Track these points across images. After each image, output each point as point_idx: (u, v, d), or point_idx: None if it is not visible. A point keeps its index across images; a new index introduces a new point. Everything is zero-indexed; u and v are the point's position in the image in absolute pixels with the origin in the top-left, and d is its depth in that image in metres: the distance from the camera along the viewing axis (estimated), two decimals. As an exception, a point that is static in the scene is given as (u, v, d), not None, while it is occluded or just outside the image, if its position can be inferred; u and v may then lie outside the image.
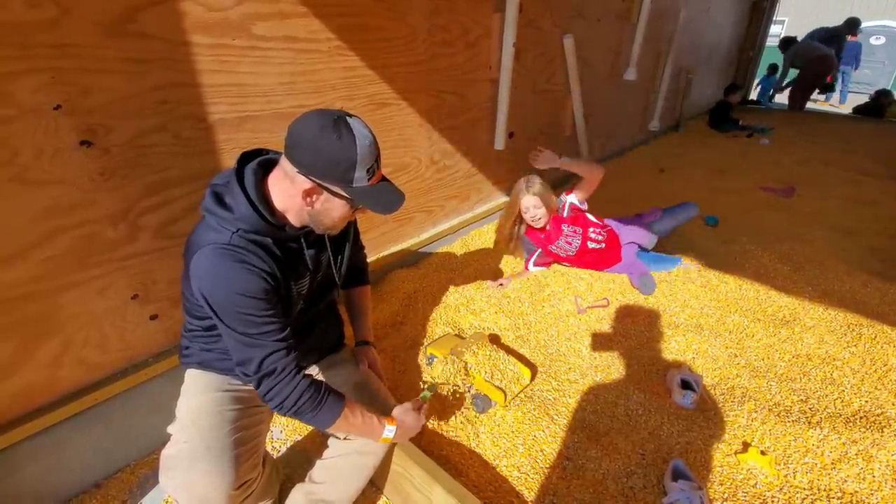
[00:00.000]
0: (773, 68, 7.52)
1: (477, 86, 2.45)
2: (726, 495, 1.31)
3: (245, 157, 1.02)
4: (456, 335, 1.92)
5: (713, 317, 2.08)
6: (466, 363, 1.65)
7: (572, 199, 2.35)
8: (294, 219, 1.01)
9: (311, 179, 0.92)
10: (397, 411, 1.21)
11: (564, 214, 2.32)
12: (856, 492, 1.31)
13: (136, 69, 1.28)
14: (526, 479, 1.36)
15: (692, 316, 2.09)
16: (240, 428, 1.05)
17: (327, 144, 0.88)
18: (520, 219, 2.28)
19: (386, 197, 1.00)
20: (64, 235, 1.25)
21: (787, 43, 6.57)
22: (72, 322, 1.33)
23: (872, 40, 11.62)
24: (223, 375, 1.15)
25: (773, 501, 1.29)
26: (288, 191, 0.96)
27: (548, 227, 2.27)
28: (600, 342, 1.94)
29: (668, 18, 4.29)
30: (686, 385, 1.62)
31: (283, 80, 1.59)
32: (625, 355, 1.86)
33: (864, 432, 1.48)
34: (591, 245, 2.29)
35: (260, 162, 1.01)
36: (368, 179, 0.95)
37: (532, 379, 1.71)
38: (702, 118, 6.05)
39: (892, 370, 1.74)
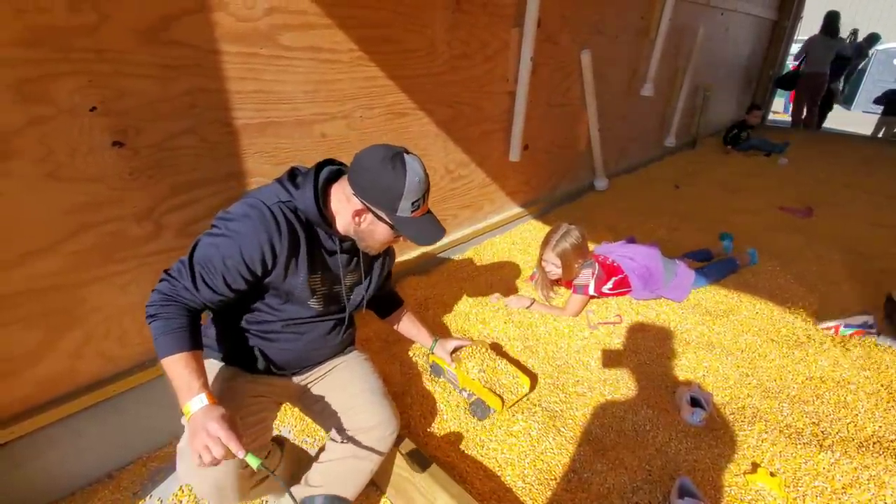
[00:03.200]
0: None
1: (494, 98, 2.49)
2: (734, 515, 1.30)
3: (322, 164, 1.13)
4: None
5: (726, 336, 2.06)
6: (467, 369, 1.64)
7: (589, 290, 2.16)
8: (340, 227, 1.11)
9: (362, 202, 1.04)
10: (212, 411, 0.92)
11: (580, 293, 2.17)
12: (868, 519, 1.29)
13: (168, 75, 1.34)
14: (530, 489, 1.36)
15: (704, 334, 2.08)
16: (246, 414, 1.10)
17: (382, 174, 1.00)
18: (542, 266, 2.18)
19: (426, 229, 1.10)
20: (91, 231, 1.31)
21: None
22: (94, 315, 1.38)
23: (895, 62, 11.44)
24: (229, 366, 1.18)
25: (781, 524, 1.27)
26: (342, 204, 1.08)
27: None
28: (610, 357, 1.93)
29: (685, 36, 4.30)
30: (695, 403, 1.61)
31: (305, 88, 1.64)
32: (635, 370, 1.85)
33: (877, 458, 1.45)
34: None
35: (332, 170, 1.12)
36: (412, 211, 1.05)
37: (532, 388, 1.71)
38: (718, 136, 6.00)
39: (908, 396, 1.70)
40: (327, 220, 1.08)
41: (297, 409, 1.54)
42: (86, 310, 1.36)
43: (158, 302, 0.99)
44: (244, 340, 1.18)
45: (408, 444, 1.34)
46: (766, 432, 1.54)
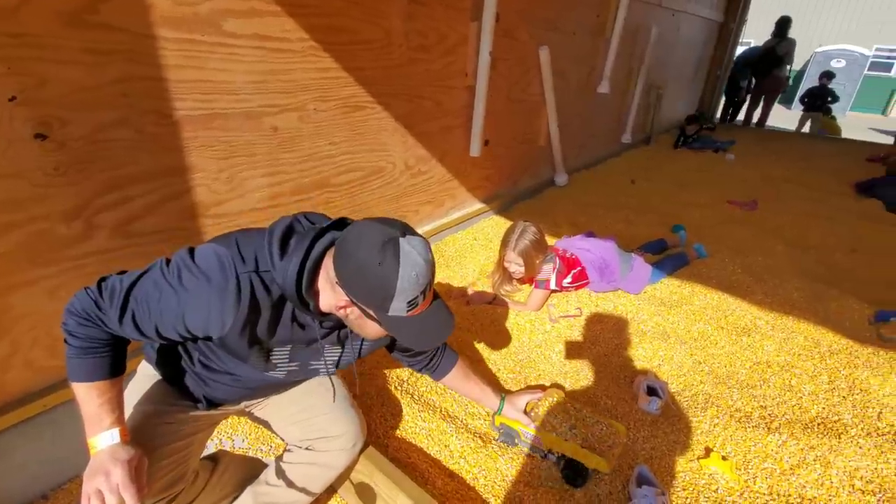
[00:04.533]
0: None
1: (453, 92, 2.47)
2: (689, 500, 1.33)
3: (329, 226, 0.93)
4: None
5: (679, 325, 2.13)
6: (553, 427, 1.38)
7: (550, 285, 2.18)
8: (324, 306, 0.92)
9: (347, 296, 0.85)
10: (119, 452, 0.83)
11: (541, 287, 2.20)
12: (814, 497, 1.35)
13: (97, 61, 1.24)
14: (493, 486, 1.35)
15: (659, 324, 2.14)
16: (167, 442, 0.99)
17: (369, 267, 0.80)
18: (503, 266, 2.18)
19: (425, 331, 0.91)
20: (14, 231, 1.19)
21: None
22: (21, 323, 1.26)
23: (833, 63, 12.29)
24: (171, 387, 1.08)
25: (733, 506, 1.31)
26: (327, 290, 0.89)
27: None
28: (571, 349, 1.95)
29: (639, 35, 4.43)
30: (652, 392, 1.65)
31: (253, 78, 1.56)
32: (594, 362, 1.88)
33: (822, 438, 1.53)
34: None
35: (336, 237, 0.91)
36: (408, 311, 0.85)
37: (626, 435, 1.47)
38: (671, 133, 6.23)
39: (846, 378, 1.81)
40: (309, 297, 0.90)
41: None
42: (12, 317, 1.24)
43: (77, 320, 0.86)
44: (181, 372, 1.06)
45: (371, 455, 1.30)
46: (718, 417, 1.60)
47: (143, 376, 1.11)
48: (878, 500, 1.35)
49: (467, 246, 2.75)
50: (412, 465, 1.41)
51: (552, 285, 2.15)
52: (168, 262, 0.88)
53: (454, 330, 0.95)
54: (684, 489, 1.36)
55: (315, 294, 0.91)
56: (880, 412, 1.66)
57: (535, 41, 2.98)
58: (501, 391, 1.46)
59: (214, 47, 1.43)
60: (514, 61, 2.86)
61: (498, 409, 1.42)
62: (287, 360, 1.05)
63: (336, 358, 1.11)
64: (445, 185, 2.67)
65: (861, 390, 1.76)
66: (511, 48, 2.77)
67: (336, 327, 1.05)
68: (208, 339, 0.93)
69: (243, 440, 1.56)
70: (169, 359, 1.06)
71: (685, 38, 5.74)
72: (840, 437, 1.53)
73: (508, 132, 3.08)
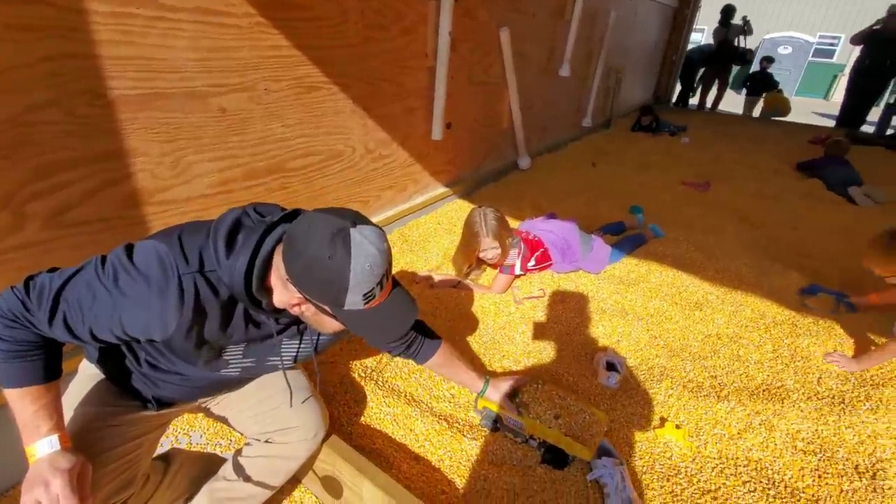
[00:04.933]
0: None
1: (413, 74, 2.42)
2: (645, 468, 1.39)
3: (281, 219, 0.88)
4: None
5: (637, 302, 2.20)
6: (537, 415, 1.37)
7: (515, 270, 2.20)
8: (278, 302, 0.87)
9: (300, 292, 0.81)
10: (60, 460, 0.78)
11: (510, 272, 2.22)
12: (760, 459, 1.43)
13: (23, 37, 1.13)
14: (458, 467, 1.36)
15: (618, 301, 2.20)
16: (115, 445, 0.94)
17: (319, 261, 0.76)
18: (477, 257, 2.15)
19: (383, 322, 0.87)
20: (-71, 223, 1.09)
21: None
22: (-59, 323, 1.15)
23: (780, 49, 12.86)
24: (116, 387, 1.02)
25: (686, 471, 1.38)
26: (279, 287, 0.85)
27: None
28: (534, 330, 1.99)
29: (599, 18, 4.47)
30: (611, 367, 1.70)
31: (196, 55, 1.47)
32: (556, 340, 1.92)
33: (766, 404, 1.62)
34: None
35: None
36: (365, 304, 0.81)
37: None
38: (630, 117, 6.38)
39: (789, 347, 1.92)
40: (261, 295, 0.86)
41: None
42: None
43: (4, 322, 0.80)
44: (125, 371, 1.00)
45: (334, 444, 1.28)
46: (672, 388, 1.67)
47: (85, 376, 1.04)
48: (819, 459, 1.45)
49: (431, 230, 2.73)
50: (377, 450, 1.40)
51: (517, 270, 2.17)
52: (104, 261, 0.82)
53: (417, 316, 0.93)
54: (641, 458, 1.42)
55: (268, 291, 0.87)
56: (819, 377, 1.77)
57: (496, 21, 2.96)
58: (486, 374, 1.45)
59: (151, 21, 1.33)
60: (475, 42, 2.82)
61: (481, 391, 1.40)
62: (241, 357, 1.02)
63: (294, 353, 1.08)
64: (408, 170, 2.63)
65: (802, 357, 1.87)
66: (471, 28, 2.73)
67: (293, 322, 1.02)
68: (151, 341, 0.88)
69: (201, 435, 1.50)
70: (112, 357, 1.00)
71: (642, 22, 5.84)
72: (783, 402, 1.63)
73: (470, 115, 3.06)
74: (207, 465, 1.24)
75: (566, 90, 4.41)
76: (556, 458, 1.34)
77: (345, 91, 2.03)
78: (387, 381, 1.65)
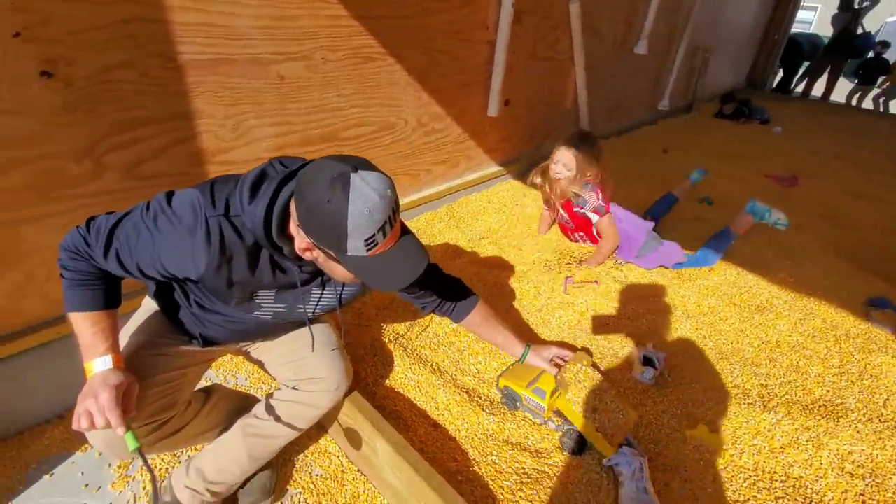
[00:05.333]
0: None
1: (472, 47, 2.37)
2: (669, 466, 1.32)
3: (300, 167, 0.91)
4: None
5: (690, 299, 2.06)
6: (573, 398, 1.31)
7: (594, 216, 2.14)
8: (297, 250, 0.91)
9: (307, 237, 0.84)
10: (110, 377, 0.89)
11: (575, 210, 2.16)
12: (800, 476, 1.32)
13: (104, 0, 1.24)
14: (473, 439, 1.38)
15: (670, 297, 2.07)
16: (159, 371, 1.05)
17: (321, 205, 0.77)
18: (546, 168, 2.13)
19: (387, 270, 0.86)
20: (24, 167, 1.25)
21: None
22: (36, 255, 1.34)
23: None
24: (169, 322, 1.14)
25: (714, 478, 1.30)
26: (295, 233, 0.89)
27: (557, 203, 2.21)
28: (572, 317, 1.93)
29: (687, -9, 4.10)
30: (647, 361, 1.62)
31: (259, 23, 1.54)
32: (594, 330, 1.86)
33: (819, 420, 1.47)
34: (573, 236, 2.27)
35: None
36: (368, 250, 0.81)
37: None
38: (716, 101, 5.84)
39: (858, 363, 1.72)
40: (282, 242, 0.91)
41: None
42: (24, 249, 1.32)
43: (69, 255, 0.92)
44: (176, 307, 1.10)
45: (355, 400, 1.34)
46: (713, 391, 1.56)
47: (145, 310, 1.17)
48: (867, 484, 1.31)
49: (480, 208, 2.71)
50: (397, 412, 1.46)
51: (610, 207, 2.08)
52: (148, 205, 0.92)
53: (426, 265, 0.91)
54: (666, 456, 1.35)
55: (290, 238, 0.91)
56: (887, 398, 1.58)
57: (567, -6, 2.81)
58: (526, 341, 1.42)
59: (218, -11, 1.42)
60: (542, 15, 2.70)
61: (521, 357, 1.40)
62: (272, 302, 1.09)
63: (317, 302, 1.13)
64: (461, 146, 2.61)
65: (872, 376, 1.68)
66: (537, 1, 2.62)
67: (318, 272, 1.06)
68: (190, 280, 0.96)
69: (246, 378, 1.64)
70: (166, 294, 1.11)
71: (740, -4, 5.29)
72: (839, 420, 1.48)
73: (532, 92, 2.96)
74: (243, 403, 1.35)
75: (642, 69, 4.12)
76: (576, 443, 1.32)
77: (400, 62, 2.04)
78: (415, 349, 1.69)
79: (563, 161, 1.98)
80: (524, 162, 3.17)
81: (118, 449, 1.01)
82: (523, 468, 1.30)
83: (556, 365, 1.42)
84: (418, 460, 1.19)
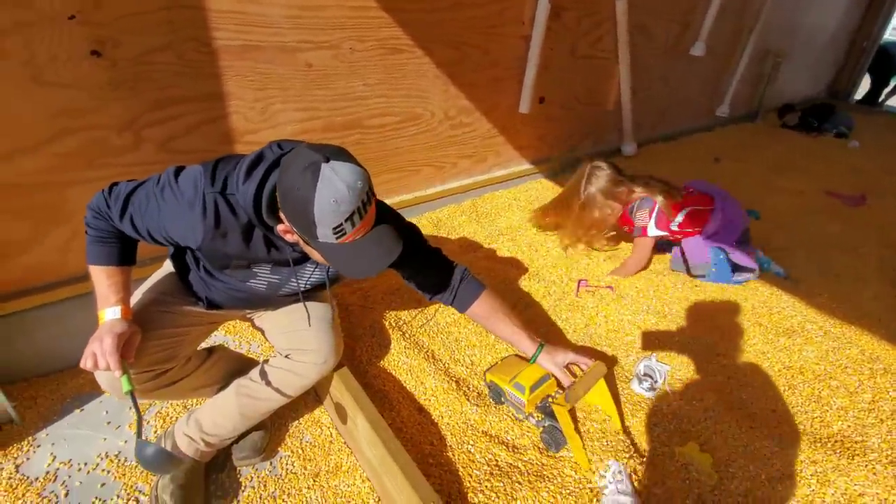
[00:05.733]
0: None
1: (505, 41, 2.36)
2: (654, 481, 1.28)
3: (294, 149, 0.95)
4: (517, 356, 1.55)
5: (711, 314, 1.96)
6: (572, 401, 1.26)
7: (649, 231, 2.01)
8: (280, 231, 0.98)
9: (285, 219, 0.90)
10: (116, 326, 0.98)
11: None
12: (797, 511, 1.24)
13: (145, -13, 1.38)
14: (454, 426, 1.40)
15: (690, 310, 1.98)
16: (163, 325, 1.15)
17: (290, 193, 0.83)
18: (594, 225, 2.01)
19: (355, 259, 0.91)
20: (74, 136, 1.41)
21: None
22: (79, 214, 1.48)
23: None
24: (180, 283, 1.25)
25: (698, 499, 1.24)
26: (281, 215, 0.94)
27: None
28: (579, 321, 1.89)
29: (757, -10, 3.83)
30: (648, 374, 1.57)
31: (289, 12, 1.63)
32: (600, 337, 1.81)
33: (831, 456, 1.37)
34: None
35: None
36: (337, 238, 0.86)
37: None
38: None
39: (892, 400, 1.57)
40: (272, 222, 0.96)
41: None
42: (71, 209, 1.49)
43: (92, 214, 1.04)
44: (187, 270, 1.21)
45: (343, 375, 1.40)
46: (714, 410, 1.49)
47: (162, 271, 1.29)
48: (876, 532, 1.20)
49: (504, 205, 2.70)
50: (384, 392, 1.50)
51: (651, 231, 1.96)
52: (160, 178, 1.02)
53: (395, 258, 0.95)
54: (652, 470, 1.31)
55: (280, 220, 0.97)
56: (923, 444, 1.43)
57: (613, -11, 2.72)
58: (540, 339, 1.36)
59: (250, -21, 1.52)
60: (585, 11, 2.64)
61: (533, 357, 1.34)
62: (268, 273, 1.17)
63: (308, 277, 1.20)
64: (489, 141, 2.61)
65: (908, 417, 1.52)
66: (582, -3, 2.57)
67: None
68: (190, 249, 1.05)
69: (258, 346, 1.75)
70: (181, 257, 1.23)
71: (823, -2, 4.86)
72: (854, 458, 1.36)
73: (569, 91, 2.90)
74: (241, 365, 1.45)
75: (698, 72, 3.90)
76: (554, 441, 1.32)
77: (429, 55, 2.08)
78: (414, 335, 1.73)
79: (600, 206, 1.85)
80: (559, 162, 3.12)
81: (117, 390, 1.12)
82: (496, 460, 1.30)
83: (571, 372, 1.35)
84: (391, 439, 1.22)
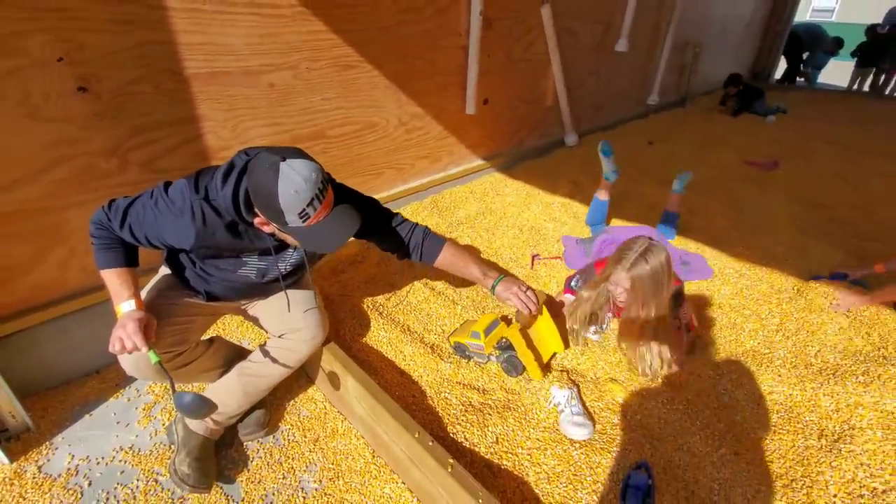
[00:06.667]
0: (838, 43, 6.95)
1: (447, 52, 2.64)
2: (602, 406, 1.54)
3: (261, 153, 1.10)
4: (470, 320, 1.84)
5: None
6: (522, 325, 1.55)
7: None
8: (257, 224, 1.16)
9: (260, 213, 1.09)
10: (134, 314, 1.17)
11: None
12: (709, 402, 1.51)
13: (122, 29, 1.57)
14: (432, 382, 1.63)
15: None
16: (171, 315, 1.33)
17: (261, 187, 1.02)
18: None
19: (322, 236, 1.11)
20: (67, 163, 1.58)
21: None
22: (76, 234, 1.67)
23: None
24: (180, 282, 1.43)
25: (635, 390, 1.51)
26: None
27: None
28: (534, 286, 2.15)
29: (669, -11, 4.28)
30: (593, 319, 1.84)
31: (250, 40, 1.85)
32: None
33: (742, 367, 1.66)
34: None
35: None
36: (303, 221, 1.05)
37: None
38: (713, 94, 5.94)
39: (797, 321, 1.89)
40: (251, 218, 1.13)
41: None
42: (69, 230, 1.65)
43: (96, 226, 1.21)
44: (183, 268, 1.37)
45: (332, 349, 1.61)
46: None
47: (160, 274, 1.48)
48: (779, 417, 1.50)
49: (462, 198, 2.96)
50: (369, 362, 1.72)
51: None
52: (152, 192, 1.20)
53: (356, 229, 1.17)
54: (599, 396, 1.57)
55: (256, 213, 1.15)
56: (819, 350, 1.75)
57: (538, -1, 3.06)
58: (502, 273, 1.50)
59: (215, 14, 1.73)
60: (515, 20, 2.96)
61: (492, 287, 1.45)
62: (256, 261, 1.36)
63: (288, 260, 1.40)
64: (442, 142, 2.88)
65: (808, 332, 1.85)
66: (510, 7, 2.88)
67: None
68: (186, 249, 1.23)
69: (249, 343, 1.93)
70: (175, 260, 1.41)
71: (732, -10, 5.40)
72: (762, 367, 1.66)
73: (510, 91, 3.21)
74: (238, 352, 1.64)
75: (626, 66, 4.30)
76: (513, 366, 1.59)
77: (379, 69, 2.33)
78: (390, 314, 1.95)
79: (622, 284, 1.53)
80: (508, 156, 3.42)
81: (143, 369, 1.30)
82: (470, 401, 1.54)
83: (521, 300, 1.47)
84: (378, 391, 1.44)
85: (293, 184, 1.01)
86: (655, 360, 1.55)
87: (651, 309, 1.49)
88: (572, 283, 1.83)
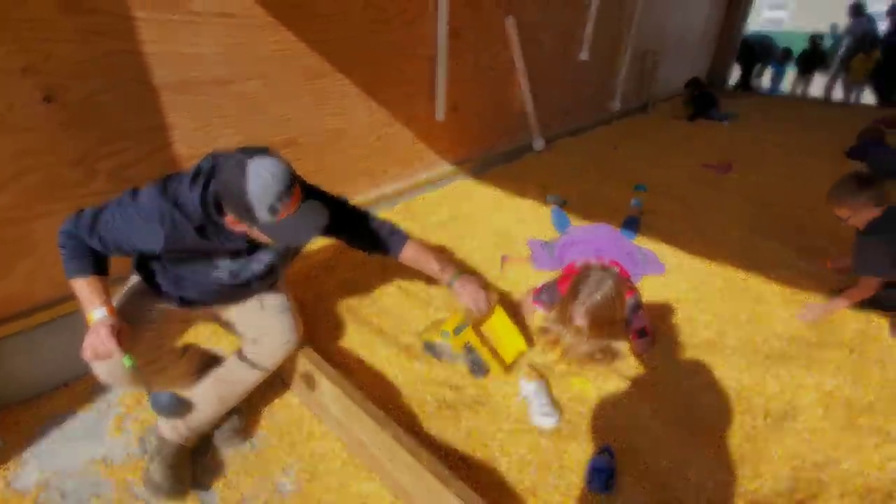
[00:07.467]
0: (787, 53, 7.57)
1: (415, 61, 2.71)
2: (569, 396, 1.62)
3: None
4: (440, 319, 1.90)
5: (610, 268, 2.38)
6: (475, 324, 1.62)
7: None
8: (228, 224, 1.17)
9: (230, 213, 1.11)
10: (106, 320, 1.16)
11: None
12: (662, 393, 1.62)
13: (88, 39, 1.57)
14: (406, 382, 1.68)
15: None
16: (143, 322, 1.34)
17: (230, 186, 1.04)
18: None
19: (293, 230, 1.13)
20: (34, 173, 1.56)
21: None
22: (43, 245, 1.64)
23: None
24: (151, 288, 1.43)
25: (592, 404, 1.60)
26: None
27: None
28: (502, 288, 2.23)
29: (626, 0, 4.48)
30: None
31: (219, 50, 1.87)
32: (521, 294, 2.16)
33: (695, 356, 1.78)
34: None
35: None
36: (273, 216, 1.07)
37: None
38: (673, 100, 6.22)
39: (749, 311, 2.03)
40: (220, 220, 1.16)
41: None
42: (36, 240, 1.62)
43: (65, 236, 1.21)
44: (153, 274, 1.39)
45: (307, 353, 1.64)
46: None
47: (130, 283, 1.48)
48: (730, 400, 1.61)
49: (434, 203, 3.03)
50: (345, 364, 1.75)
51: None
52: (120, 200, 1.21)
53: (325, 222, 1.19)
54: (565, 387, 1.65)
55: (226, 213, 1.17)
56: (766, 338, 1.89)
57: (502, 10, 3.16)
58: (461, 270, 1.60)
59: (183, 24, 1.74)
60: (481, 30, 3.06)
61: (450, 282, 1.55)
62: (228, 263, 1.38)
63: (262, 262, 1.43)
64: (412, 148, 2.94)
65: (759, 321, 1.99)
66: (476, 18, 2.97)
67: (259, 243, 1.35)
68: (155, 254, 1.24)
69: (222, 351, 1.93)
70: (145, 267, 1.41)
71: (685, 1, 5.68)
72: (715, 355, 1.78)
73: (479, 98, 3.30)
74: (211, 358, 1.65)
75: (590, 74, 4.48)
76: (477, 365, 1.65)
77: (348, 77, 2.37)
78: (364, 317, 1.99)
79: (579, 318, 1.58)
80: (478, 161, 3.51)
81: (117, 375, 1.28)
82: (444, 398, 1.60)
83: (471, 297, 1.55)
84: (353, 391, 1.48)
85: (261, 179, 1.03)
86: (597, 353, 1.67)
87: (612, 332, 1.65)
88: (542, 296, 1.87)
